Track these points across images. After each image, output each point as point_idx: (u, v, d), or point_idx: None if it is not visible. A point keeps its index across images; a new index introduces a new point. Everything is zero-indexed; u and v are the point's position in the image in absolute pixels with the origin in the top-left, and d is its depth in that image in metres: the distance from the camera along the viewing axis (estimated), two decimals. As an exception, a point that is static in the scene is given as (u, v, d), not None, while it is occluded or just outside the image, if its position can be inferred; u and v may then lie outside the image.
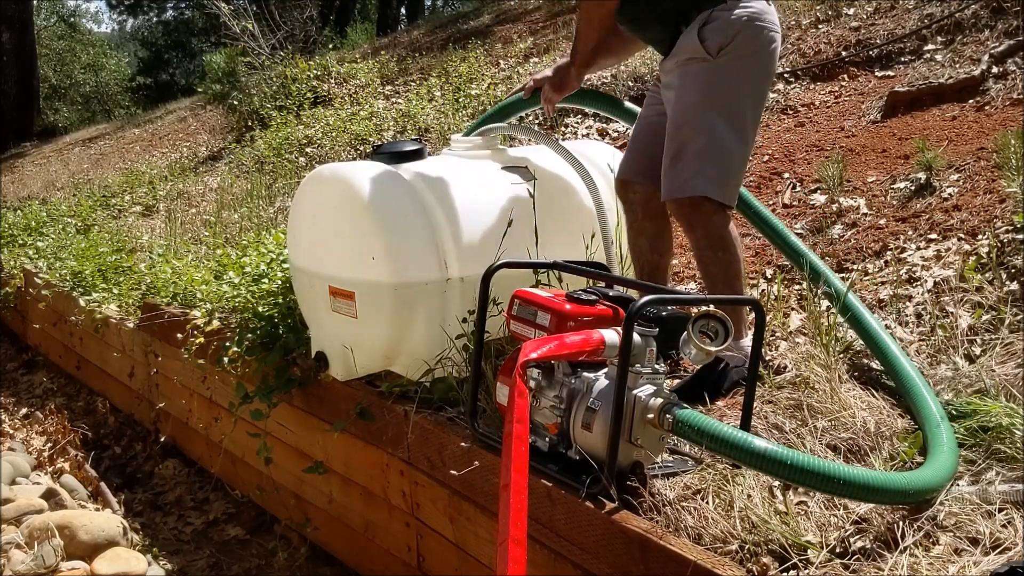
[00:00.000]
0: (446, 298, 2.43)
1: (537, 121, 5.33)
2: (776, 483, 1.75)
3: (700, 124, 2.26)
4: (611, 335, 1.81)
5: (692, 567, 1.56)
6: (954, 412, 1.93)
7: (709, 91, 2.26)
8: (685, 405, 1.80)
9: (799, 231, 3.28)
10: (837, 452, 1.89)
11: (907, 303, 2.50)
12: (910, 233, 2.92)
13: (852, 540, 1.60)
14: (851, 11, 5.36)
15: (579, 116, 5.36)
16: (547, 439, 1.95)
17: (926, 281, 2.57)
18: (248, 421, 3.05)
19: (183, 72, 26.54)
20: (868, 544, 1.59)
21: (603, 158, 2.89)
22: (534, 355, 1.68)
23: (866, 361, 2.30)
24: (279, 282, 3.03)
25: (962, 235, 2.75)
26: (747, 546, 1.60)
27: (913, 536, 1.57)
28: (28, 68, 17.85)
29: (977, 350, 2.16)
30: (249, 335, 2.98)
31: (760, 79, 2.33)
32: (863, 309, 2.28)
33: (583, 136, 5.11)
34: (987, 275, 2.42)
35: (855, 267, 2.86)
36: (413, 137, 5.67)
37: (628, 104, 2.87)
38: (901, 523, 1.60)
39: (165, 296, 3.97)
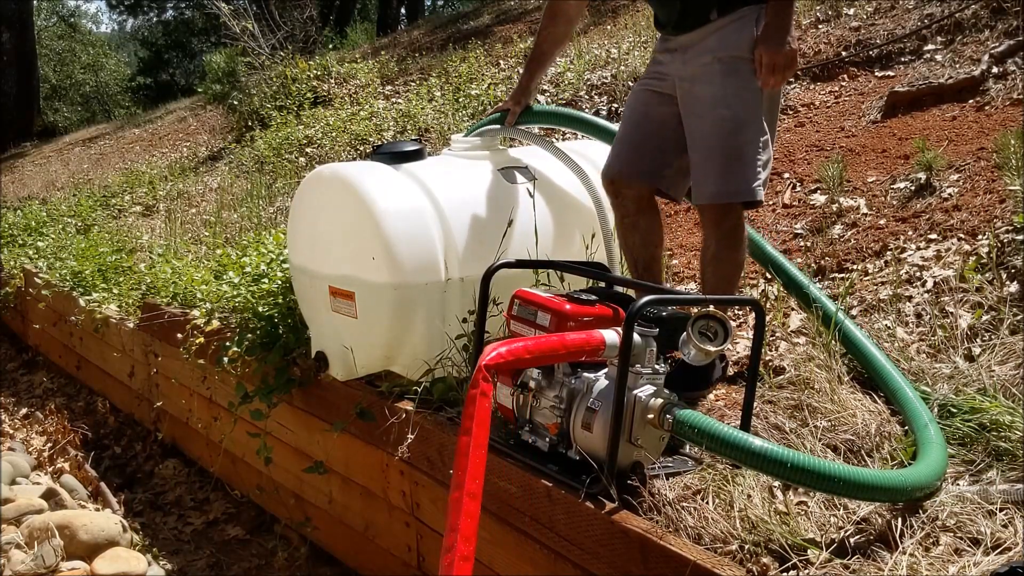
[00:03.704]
0: (446, 298, 2.43)
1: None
2: (776, 483, 1.75)
3: (759, 127, 2.23)
4: (611, 335, 1.81)
5: (692, 567, 1.56)
6: (952, 409, 1.94)
7: (765, 94, 2.24)
8: (685, 405, 1.80)
9: (799, 231, 3.28)
10: (837, 452, 1.89)
11: (907, 303, 2.50)
12: (910, 233, 2.92)
13: (852, 540, 1.60)
14: (851, 11, 5.36)
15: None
16: (547, 439, 1.95)
17: (926, 281, 2.57)
18: (248, 421, 3.05)
19: (183, 72, 26.52)
20: (868, 544, 1.59)
21: (602, 158, 2.89)
22: (490, 357, 1.59)
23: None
24: (279, 282, 3.03)
25: (962, 235, 2.75)
26: (747, 546, 1.60)
27: (913, 536, 1.57)
28: (28, 68, 17.85)
29: (977, 350, 2.16)
30: (249, 335, 2.99)
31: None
32: (844, 317, 2.27)
33: (583, 136, 5.11)
34: (987, 275, 2.42)
35: (855, 267, 2.86)
36: (413, 137, 5.67)
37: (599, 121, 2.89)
38: (901, 523, 1.60)
39: (165, 296, 3.97)
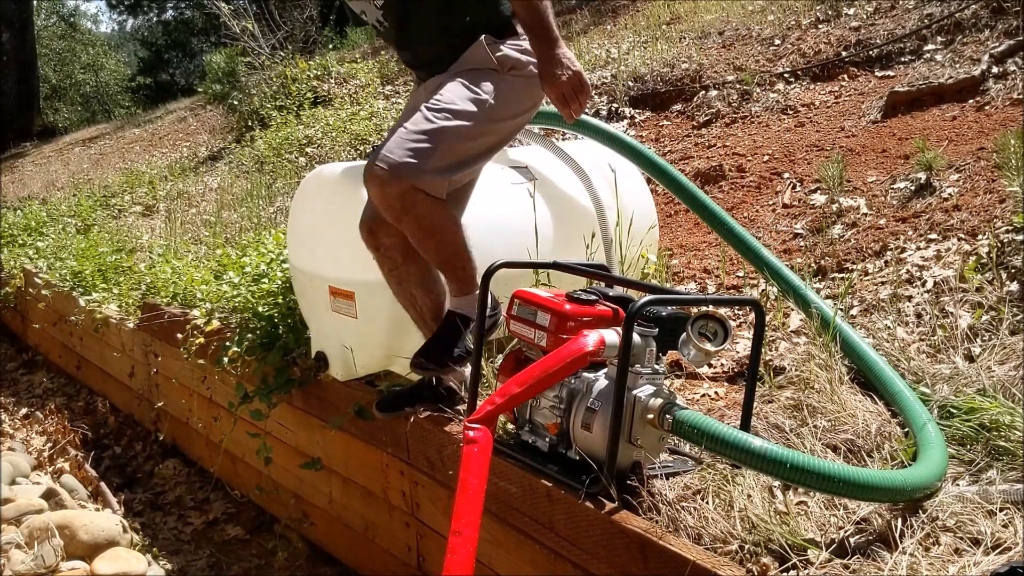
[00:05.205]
0: (446, 298, 2.42)
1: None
2: (776, 483, 1.75)
3: (467, 126, 2.17)
4: (611, 335, 1.81)
5: (692, 567, 1.56)
6: (952, 410, 1.93)
7: (505, 128, 2.26)
8: (685, 405, 1.80)
9: (799, 231, 3.28)
10: (837, 452, 1.89)
11: (907, 303, 2.50)
12: (910, 233, 2.92)
13: (852, 540, 1.60)
14: (851, 11, 5.36)
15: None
16: (547, 439, 1.95)
17: (926, 281, 2.57)
18: (248, 421, 3.05)
19: (183, 72, 26.53)
20: (868, 544, 1.59)
21: (603, 158, 2.90)
22: (485, 411, 1.68)
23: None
24: (279, 282, 3.03)
25: (962, 235, 2.75)
26: (747, 546, 1.60)
27: (913, 536, 1.57)
28: (28, 68, 17.83)
29: (977, 350, 2.16)
30: (249, 335, 2.99)
31: None
32: (842, 322, 2.26)
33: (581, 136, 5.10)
34: (987, 275, 2.42)
35: (855, 267, 2.86)
36: (413, 137, 5.65)
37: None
38: (901, 523, 1.60)
39: (165, 296, 3.97)
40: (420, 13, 2.24)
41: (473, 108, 2.13)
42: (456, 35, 2.22)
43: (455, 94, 2.14)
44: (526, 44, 2.21)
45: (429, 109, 2.11)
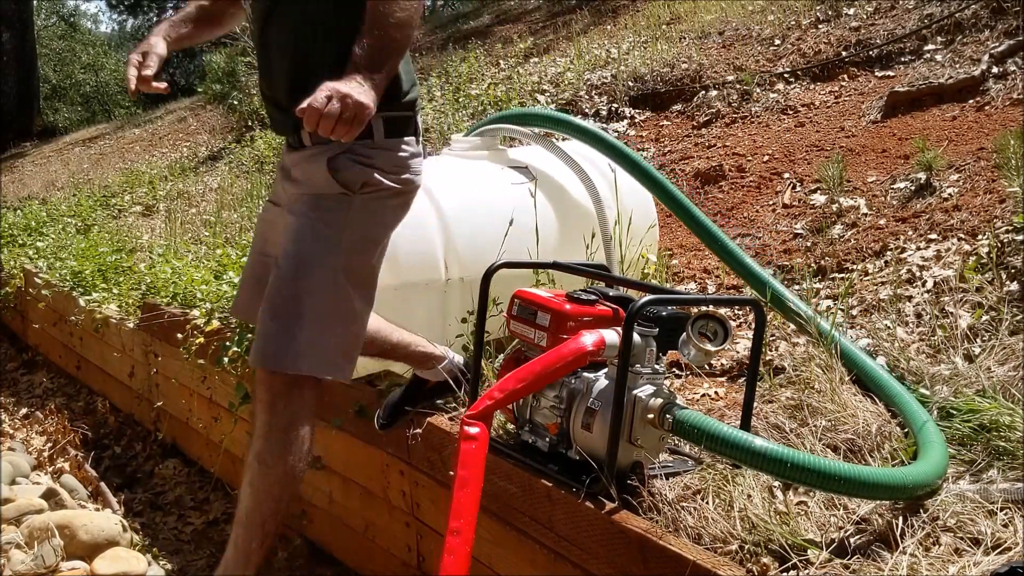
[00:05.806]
0: (446, 298, 2.43)
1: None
2: (776, 483, 1.75)
3: (330, 277, 1.90)
4: (611, 335, 1.81)
5: (692, 567, 1.56)
6: (952, 411, 1.94)
7: (359, 234, 1.95)
8: (685, 405, 1.80)
9: (799, 231, 3.28)
10: (837, 452, 1.89)
11: (907, 303, 2.50)
12: (910, 233, 2.92)
13: (852, 540, 1.60)
14: (851, 11, 5.36)
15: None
16: (547, 439, 1.95)
17: (926, 281, 2.57)
18: (248, 421, 3.05)
19: (183, 72, 26.50)
20: (868, 544, 1.59)
21: (602, 158, 2.90)
22: (484, 406, 1.68)
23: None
24: (279, 282, 3.03)
25: (962, 235, 2.75)
26: (747, 546, 1.60)
27: (913, 536, 1.57)
28: (28, 68, 17.82)
29: (977, 350, 2.16)
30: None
31: None
32: (836, 330, 2.25)
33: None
34: (987, 275, 2.42)
35: (855, 267, 2.86)
36: (413, 137, 5.64)
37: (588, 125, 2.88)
38: (901, 523, 1.60)
39: (165, 296, 3.97)
40: (281, 19, 1.87)
41: (329, 256, 1.85)
42: (320, 54, 1.84)
43: (303, 247, 1.84)
44: (386, 146, 1.88)
45: (284, 277, 1.83)
